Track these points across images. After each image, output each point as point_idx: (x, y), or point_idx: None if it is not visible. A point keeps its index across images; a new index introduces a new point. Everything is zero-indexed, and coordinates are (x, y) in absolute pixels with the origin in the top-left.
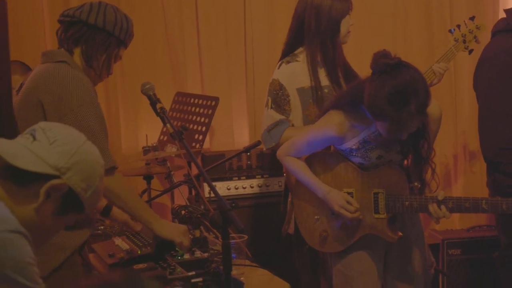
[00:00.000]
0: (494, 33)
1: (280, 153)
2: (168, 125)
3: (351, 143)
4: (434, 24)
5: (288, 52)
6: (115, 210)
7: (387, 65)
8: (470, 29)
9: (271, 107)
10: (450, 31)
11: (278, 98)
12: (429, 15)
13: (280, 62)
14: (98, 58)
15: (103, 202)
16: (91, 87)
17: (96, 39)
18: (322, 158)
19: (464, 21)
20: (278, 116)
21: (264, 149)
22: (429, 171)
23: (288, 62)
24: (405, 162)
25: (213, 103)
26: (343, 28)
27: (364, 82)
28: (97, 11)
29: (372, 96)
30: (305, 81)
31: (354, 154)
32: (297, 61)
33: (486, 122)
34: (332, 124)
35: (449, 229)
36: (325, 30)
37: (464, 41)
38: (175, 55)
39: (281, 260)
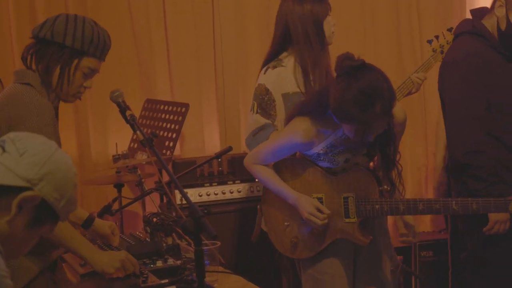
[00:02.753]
0: (458, 34)
1: (247, 161)
2: (138, 132)
3: (318, 148)
4: (402, 31)
5: (272, 58)
6: (97, 223)
7: (351, 67)
8: (448, 40)
9: (257, 112)
10: (428, 41)
11: (264, 103)
12: (397, 20)
13: (266, 67)
14: (52, 72)
15: (85, 214)
16: (45, 112)
17: (47, 53)
18: (290, 164)
19: (442, 32)
20: (264, 121)
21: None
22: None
23: (274, 67)
24: (371, 164)
25: (183, 109)
26: (326, 29)
27: (329, 86)
28: (50, 24)
29: (338, 99)
30: (290, 87)
31: (321, 158)
32: (282, 66)
33: (454, 126)
34: (298, 131)
35: (421, 231)
36: (313, 34)
37: (442, 52)
38: (144, 62)
39: (255, 266)
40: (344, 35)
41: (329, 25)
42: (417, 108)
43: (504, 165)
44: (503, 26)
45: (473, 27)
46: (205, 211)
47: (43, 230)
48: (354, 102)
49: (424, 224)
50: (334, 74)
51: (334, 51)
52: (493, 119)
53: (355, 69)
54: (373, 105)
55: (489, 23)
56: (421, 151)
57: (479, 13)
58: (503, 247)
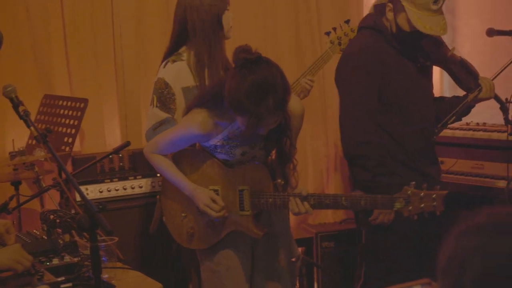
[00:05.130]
0: (360, 28)
1: (146, 150)
2: (32, 128)
3: (215, 140)
4: (301, 23)
5: (171, 52)
6: None
7: (247, 60)
8: (345, 32)
9: (156, 106)
10: (326, 33)
11: (164, 96)
12: (296, 12)
13: (165, 61)
14: None
15: None
16: None
17: None
18: (189, 155)
19: (340, 24)
20: (164, 115)
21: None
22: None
23: (174, 61)
24: (269, 158)
25: (82, 105)
26: (225, 23)
27: (225, 78)
28: None
29: (232, 91)
30: (190, 81)
31: (218, 150)
32: (182, 60)
33: (344, 117)
34: (195, 123)
35: (322, 223)
36: (209, 28)
37: (340, 44)
38: (41, 57)
39: (155, 261)
40: (244, 27)
41: (228, 19)
42: (317, 99)
43: (393, 156)
44: (394, 30)
45: (373, 23)
46: (100, 206)
47: None
48: (248, 94)
49: (326, 215)
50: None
51: (235, 44)
52: (384, 111)
53: (250, 62)
54: (266, 99)
55: (387, 23)
56: (322, 141)
57: (382, 8)
58: (389, 237)
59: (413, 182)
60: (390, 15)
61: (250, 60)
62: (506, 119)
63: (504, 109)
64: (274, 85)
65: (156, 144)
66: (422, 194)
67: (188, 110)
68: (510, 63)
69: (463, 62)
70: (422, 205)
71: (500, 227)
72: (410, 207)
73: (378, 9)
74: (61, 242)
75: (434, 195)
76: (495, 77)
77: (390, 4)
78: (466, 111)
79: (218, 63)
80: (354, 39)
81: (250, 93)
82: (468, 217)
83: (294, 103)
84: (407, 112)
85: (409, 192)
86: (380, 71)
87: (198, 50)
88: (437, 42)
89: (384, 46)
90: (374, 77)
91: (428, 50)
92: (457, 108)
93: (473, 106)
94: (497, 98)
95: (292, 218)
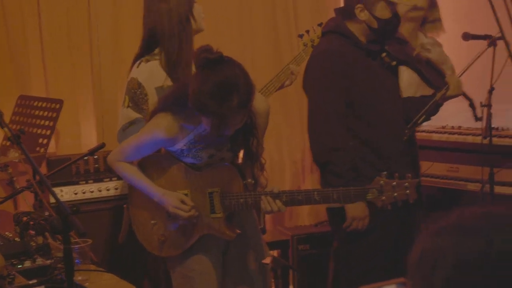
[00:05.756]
0: (324, 33)
1: (110, 159)
2: (5, 128)
3: (181, 144)
4: (279, 25)
5: (144, 53)
6: None
7: (208, 60)
8: (318, 35)
9: (128, 106)
10: (299, 36)
11: (136, 97)
12: (274, 13)
13: (139, 61)
14: None
15: None
16: None
17: None
18: (155, 161)
19: (313, 27)
20: (135, 115)
21: None
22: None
23: (148, 60)
24: (238, 159)
25: (57, 105)
26: (196, 16)
27: (188, 79)
28: None
29: (195, 92)
30: (164, 80)
31: (185, 154)
32: (156, 59)
33: (315, 123)
34: (160, 127)
35: (298, 225)
36: (178, 30)
37: (313, 46)
38: (18, 58)
39: (130, 263)
40: (221, 28)
41: (197, 12)
42: (293, 100)
43: (363, 159)
44: (375, 25)
45: (335, 26)
46: (74, 208)
47: None
48: (211, 95)
49: (302, 218)
50: None
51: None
52: (352, 114)
53: (212, 62)
54: (229, 99)
55: (355, 28)
56: (298, 142)
57: (344, 11)
58: (363, 243)
59: (385, 172)
60: (363, 15)
61: (211, 60)
62: (475, 116)
63: (472, 105)
64: (237, 84)
65: (121, 152)
66: (394, 183)
67: (152, 114)
68: (477, 59)
69: (429, 61)
70: (395, 194)
71: (471, 227)
72: (383, 197)
73: (339, 12)
74: (33, 244)
75: (407, 184)
76: (462, 74)
77: (360, 5)
78: (435, 110)
79: (189, 61)
80: (318, 44)
81: (213, 94)
82: (439, 218)
83: (259, 102)
84: (375, 113)
85: (381, 182)
86: (346, 72)
87: (170, 51)
88: (402, 42)
89: (348, 48)
90: (340, 78)
91: (394, 50)
92: (426, 107)
93: (441, 104)
94: (465, 95)
95: (268, 221)
